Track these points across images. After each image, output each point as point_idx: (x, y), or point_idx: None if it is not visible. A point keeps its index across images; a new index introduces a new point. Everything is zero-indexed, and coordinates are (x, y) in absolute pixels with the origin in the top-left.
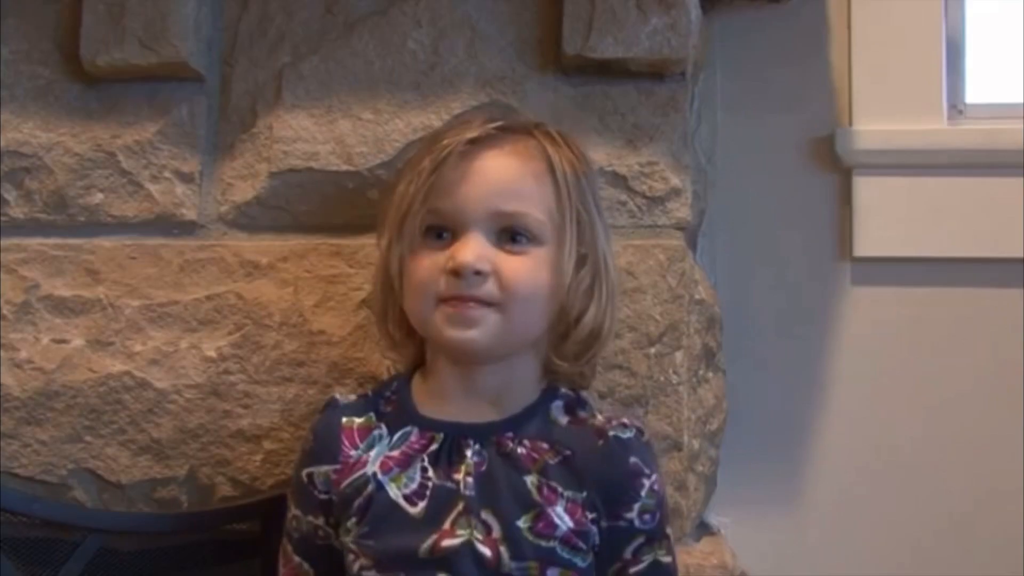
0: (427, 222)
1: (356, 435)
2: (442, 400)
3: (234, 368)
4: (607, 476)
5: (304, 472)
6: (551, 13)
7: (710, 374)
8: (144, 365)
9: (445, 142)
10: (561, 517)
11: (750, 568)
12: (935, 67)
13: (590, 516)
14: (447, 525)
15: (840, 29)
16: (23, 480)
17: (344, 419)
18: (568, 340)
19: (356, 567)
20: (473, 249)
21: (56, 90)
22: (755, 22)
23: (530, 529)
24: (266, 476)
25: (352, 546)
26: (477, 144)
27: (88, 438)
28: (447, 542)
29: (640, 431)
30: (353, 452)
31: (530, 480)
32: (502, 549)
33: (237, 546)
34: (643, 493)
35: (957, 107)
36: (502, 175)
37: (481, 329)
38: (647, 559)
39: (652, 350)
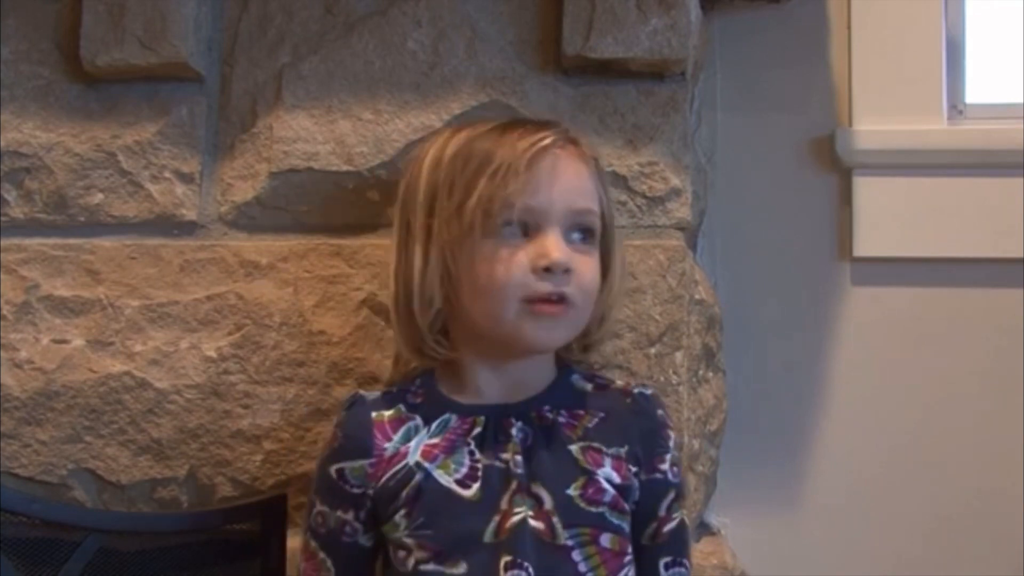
0: (511, 217)
1: (388, 427)
2: (473, 388)
3: (234, 368)
4: (642, 428)
5: (333, 468)
6: (551, 13)
7: (710, 374)
8: (144, 365)
9: (527, 145)
10: (609, 478)
11: (750, 568)
12: (935, 67)
13: (633, 470)
14: (505, 505)
15: (840, 29)
16: (23, 480)
17: (374, 413)
18: (590, 334)
19: (411, 562)
20: (560, 246)
21: (56, 90)
22: (755, 22)
23: (581, 496)
24: (266, 476)
25: (406, 540)
26: (553, 148)
27: (88, 438)
28: (509, 523)
29: (657, 393)
30: (388, 445)
31: (574, 448)
32: (554, 520)
33: (237, 546)
34: (671, 445)
35: (957, 107)
36: (579, 176)
37: (561, 329)
38: (677, 516)
39: (652, 350)
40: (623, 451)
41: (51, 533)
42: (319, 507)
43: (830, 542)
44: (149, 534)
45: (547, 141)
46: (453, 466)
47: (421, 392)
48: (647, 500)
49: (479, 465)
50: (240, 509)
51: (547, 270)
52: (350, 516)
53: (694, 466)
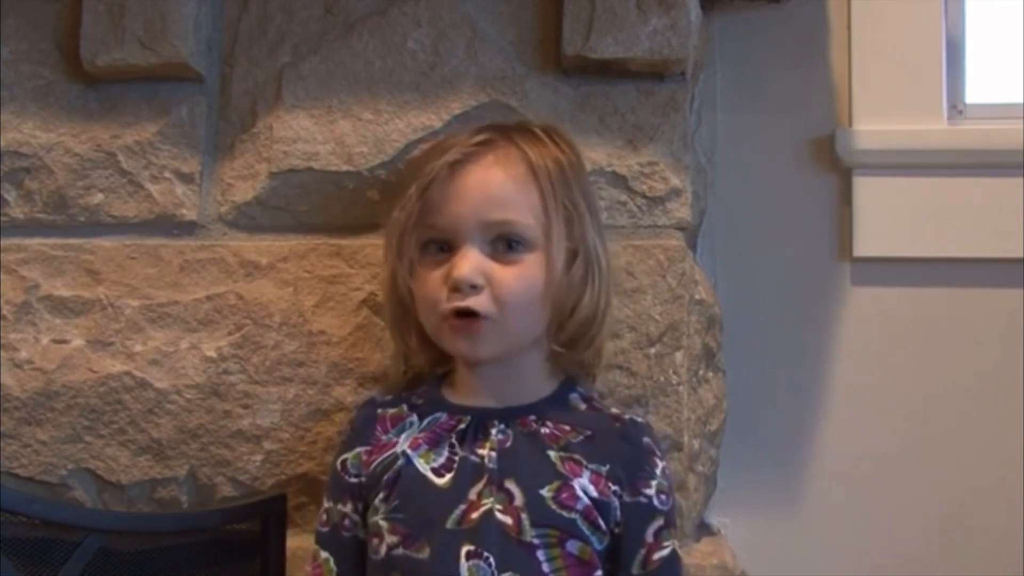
0: (424, 237)
1: (388, 422)
2: (467, 392)
3: (234, 368)
4: (625, 452)
5: (339, 460)
6: (551, 13)
7: (710, 374)
8: (144, 365)
9: (428, 167)
10: (585, 489)
11: (750, 568)
12: (935, 67)
13: (613, 488)
14: (472, 496)
15: (840, 29)
16: (23, 480)
17: (380, 410)
18: (564, 330)
19: (383, 549)
20: (469, 262)
21: (56, 90)
22: (755, 22)
23: (553, 498)
24: (266, 476)
25: (382, 523)
26: (460, 164)
27: (88, 438)
28: (474, 514)
29: (649, 424)
30: (384, 436)
31: (553, 455)
32: (523, 516)
33: (237, 546)
34: (657, 472)
35: (957, 107)
36: (486, 187)
37: (484, 342)
38: (668, 545)
39: (652, 350)
40: (604, 469)
41: (51, 533)
42: (325, 504)
43: (830, 542)
44: (149, 534)
45: (451, 157)
46: (433, 456)
47: (424, 394)
48: (632, 524)
49: (456, 457)
50: (240, 509)
51: (454, 288)
52: (348, 508)
53: (694, 466)
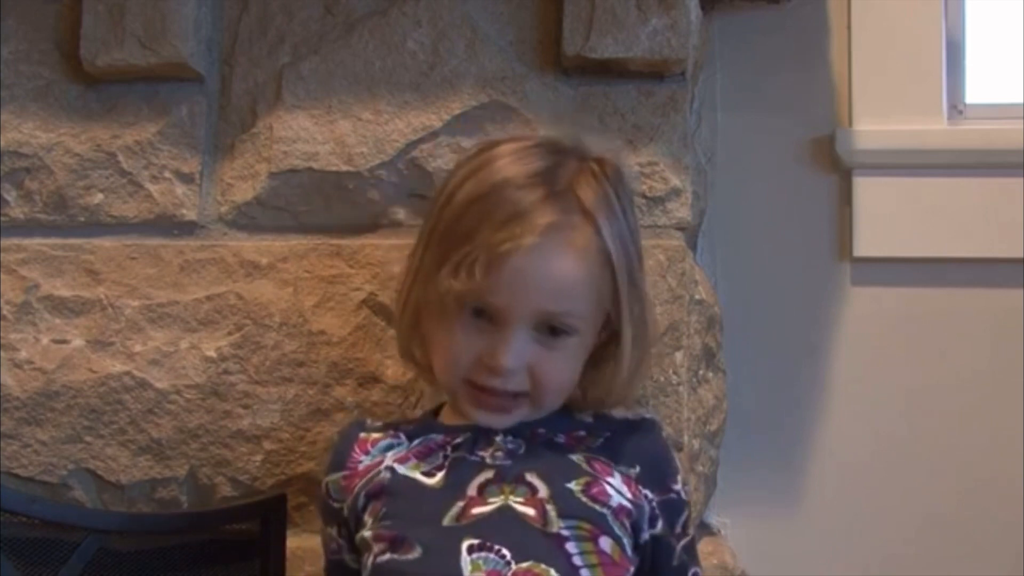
0: (473, 305)
1: (369, 444)
2: (466, 415)
3: (234, 368)
4: (650, 452)
5: (323, 483)
6: (551, 13)
7: (710, 374)
8: (144, 365)
9: (501, 240)
10: (619, 489)
11: (750, 568)
12: (935, 67)
13: (644, 492)
14: (472, 492)
15: (840, 29)
16: (23, 480)
17: (363, 433)
18: (584, 400)
19: (370, 562)
20: (515, 350)
21: (56, 90)
22: (755, 22)
23: (583, 492)
24: (266, 476)
25: (366, 534)
26: (536, 248)
27: (88, 438)
28: (478, 509)
29: (657, 418)
30: (364, 458)
31: (576, 458)
32: (548, 508)
33: (237, 546)
34: (677, 465)
35: (957, 107)
36: (558, 281)
37: (507, 418)
38: (692, 531)
39: (652, 350)
40: (633, 472)
41: (51, 533)
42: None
43: (830, 542)
44: (149, 534)
45: (527, 240)
46: (424, 466)
47: (417, 420)
48: (668, 520)
49: (448, 459)
50: (240, 509)
51: (492, 371)
52: (334, 531)
53: (694, 466)
